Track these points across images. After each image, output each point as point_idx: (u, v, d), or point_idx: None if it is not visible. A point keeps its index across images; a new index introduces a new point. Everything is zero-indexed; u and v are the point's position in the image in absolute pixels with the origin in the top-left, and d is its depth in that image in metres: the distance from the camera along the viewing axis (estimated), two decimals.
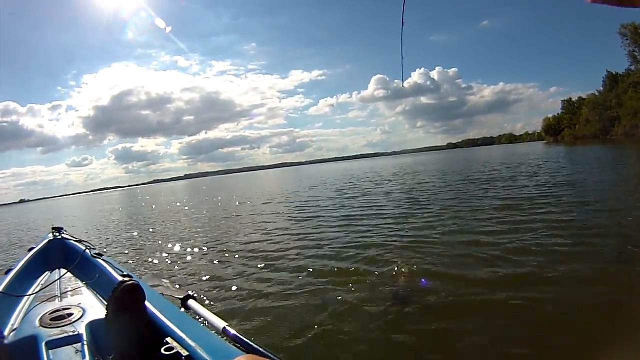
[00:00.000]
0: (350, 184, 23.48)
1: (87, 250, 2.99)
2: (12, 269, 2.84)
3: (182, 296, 2.45)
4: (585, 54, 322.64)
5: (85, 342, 1.80)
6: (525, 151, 43.18)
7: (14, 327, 2.01)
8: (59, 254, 3.26)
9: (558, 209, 7.96)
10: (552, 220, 6.95)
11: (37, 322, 2.00)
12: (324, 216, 11.27)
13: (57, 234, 3.61)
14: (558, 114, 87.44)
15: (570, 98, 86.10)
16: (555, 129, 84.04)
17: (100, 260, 2.79)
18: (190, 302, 2.37)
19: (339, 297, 4.57)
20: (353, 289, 4.78)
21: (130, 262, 8.65)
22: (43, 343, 1.78)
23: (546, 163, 21.33)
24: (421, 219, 8.83)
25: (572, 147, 42.85)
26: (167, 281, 3.41)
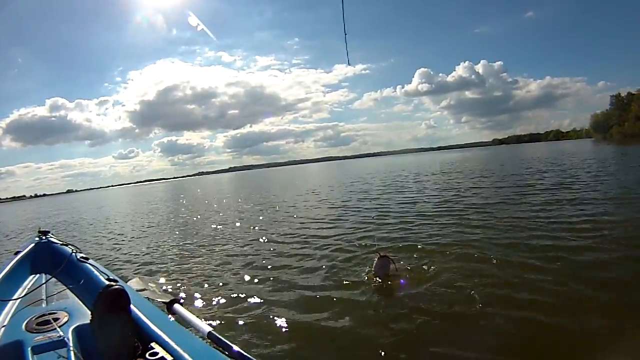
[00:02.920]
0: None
1: (74, 254, 2.97)
2: None
3: (167, 300, 2.53)
4: (635, 46, 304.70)
5: (71, 347, 1.82)
6: (574, 150, 41.04)
7: (0, 331, 2.04)
8: (46, 257, 3.24)
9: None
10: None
11: (23, 327, 2.05)
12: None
13: (44, 237, 3.58)
14: (607, 110, 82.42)
15: (620, 93, 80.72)
16: (603, 126, 79.57)
17: (86, 264, 2.79)
18: (176, 306, 2.45)
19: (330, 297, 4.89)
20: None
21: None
22: (29, 348, 1.82)
23: (606, 168, 18.67)
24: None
25: (623, 146, 39.85)
26: (154, 285, 3.47)
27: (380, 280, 5.17)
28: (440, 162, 47.00)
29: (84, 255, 3.02)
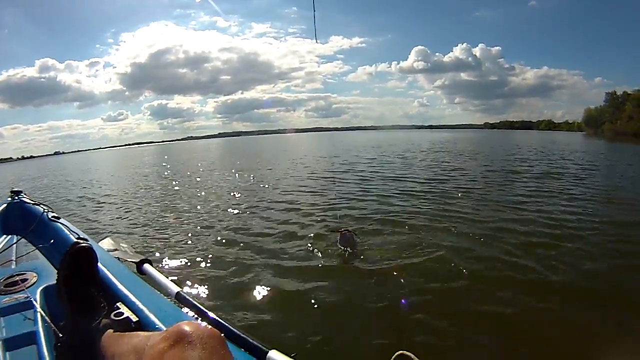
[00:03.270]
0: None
1: (45, 214, 2.91)
2: None
3: (137, 260, 2.45)
4: (635, 47, 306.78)
5: (37, 309, 1.81)
6: (565, 141, 41.51)
7: None
8: (17, 217, 3.19)
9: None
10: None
11: None
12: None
13: (16, 197, 3.52)
14: (601, 106, 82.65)
15: (615, 91, 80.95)
16: (596, 122, 79.86)
17: (57, 224, 2.73)
18: (146, 266, 2.37)
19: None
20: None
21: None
22: None
23: (604, 163, 18.92)
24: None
25: (614, 143, 40.33)
26: (126, 245, 3.38)
27: (345, 252, 5.46)
28: (431, 140, 47.40)
29: (56, 215, 2.92)
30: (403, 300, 4.00)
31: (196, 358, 0.89)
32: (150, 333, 1.30)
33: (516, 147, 31.41)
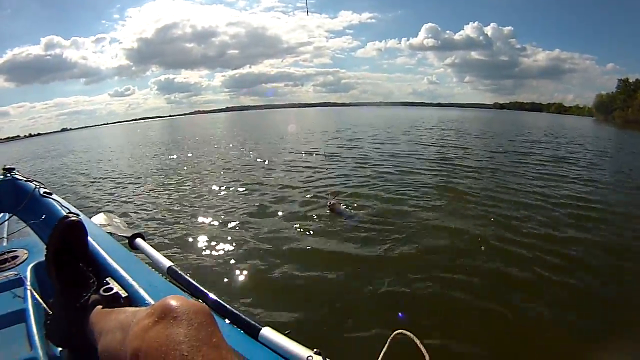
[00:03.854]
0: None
1: (37, 190, 2.86)
2: None
3: (129, 235, 2.42)
4: None
5: (27, 286, 1.81)
6: (575, 126, 41.07)
7: None
8: (9, 194, 3.15)
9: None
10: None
11: None
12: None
13: (8, 174, 3.44)
14: (612, 92, 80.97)
15: (628, 79, 79.25)
16: (607, 108, 78.34)
17: (49, 199, 2.69)
18: (138, 241, 2.34)
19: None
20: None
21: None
22: None
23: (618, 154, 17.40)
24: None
25: (624, 130, 39.53)
26: (119, 220, 3.36)
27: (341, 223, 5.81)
28: (440, 118, 47.45)
29: (47, 191, 2.84)
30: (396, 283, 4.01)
31: (181, 335, 0.83)
32: (137, 309, 1.24)
33: (526, 129, 31.15)
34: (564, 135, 25.20)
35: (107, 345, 1.15)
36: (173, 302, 0.90)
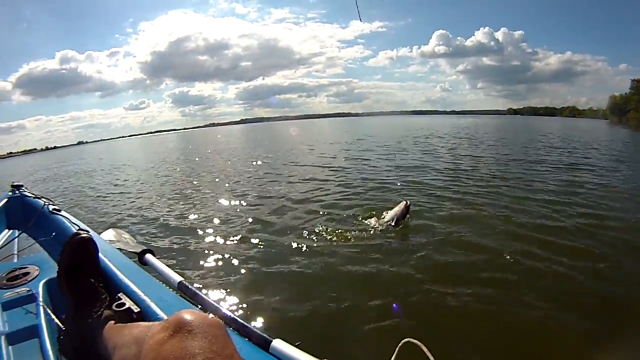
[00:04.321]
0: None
1: (45, 207, 2.86)
2: None
3: (139, 251, 2.42)
4: None
5: (40, 302, 1.80)
6: (589, 129, 40.14)
7: None
8: (18, 211, 3.16)
9: None
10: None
11: None
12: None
13: (17, 191, 3.46)
14: (626, 93, 77.37)
15: None
16: (621, 110, 75.32)
17: (58, 216, 2.69)
18: (148, 256, 2.34)
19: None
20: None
21: None
22: None
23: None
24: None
25: (639, 132, 38.22)
26: (128, 236, 3.35)
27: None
28: (454, 126, 46.77)
29: (56, 207, 2.85)
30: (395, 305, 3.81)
31: (196, 348, 0.86)
32: (151, 323, 1.28)
33: (540, 134, 30.48)
34: (579, 139, 24.75)
35: (122, 359, 1.20)
36: (187, 316, 0.94)
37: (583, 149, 17.93)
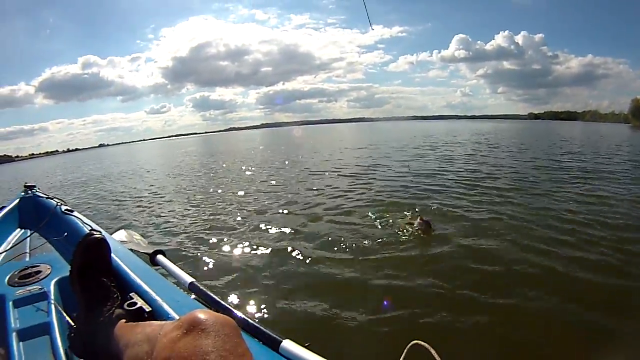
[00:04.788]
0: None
1: (58, 207, 2.88)
2: None
3: (150, 251, 2.44)
4: None
5: (51, 300, 1.83)
6: (612, 134, 38.76)
7: None
8: (31, 211, 3.20)
9: None
10: None
11: (5, 281, 2.04)
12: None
13: (29, 191, 3.52)
14: None
15: None
16: None
17: (70, 217, 2.71)
18: (159, 257, 2.37)
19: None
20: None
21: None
22: (10, 302, 1.82)
23: None
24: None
25: None
26: (139, 237, 3.38)
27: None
28: (474, 131, 46.17)
29: (69, 208, 2.86)
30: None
31: (210, 346, 0.87)
32: (163, 322, 1.29)
33: (562, 139, 29.75)
34: (601, 145, 24.08)
35: (134, 357, 1.19)
36: (201, 315, 0.95)
37: (606, 155, 17.27)
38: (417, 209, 7.28)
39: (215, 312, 1.01)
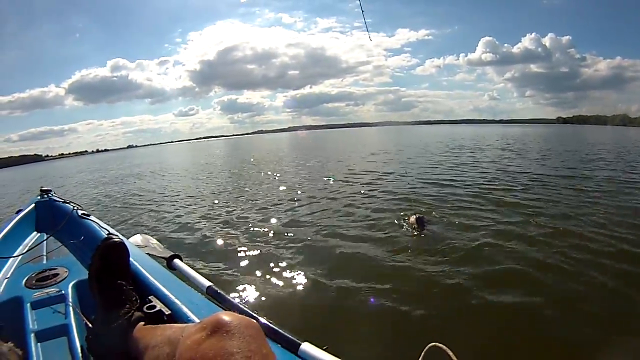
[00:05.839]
0: None
1: (74, 211, 2.91)
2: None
3: (167, 256, 2.45)
4: None
5: (69, 302, 1.83)
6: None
7: (0, 289, 2.02)
8: (47, 215, 3.22)
9: None
10: None
11: (23, 283, 2.04)
12: None
13: (45, 195, 3.55)
14: None
15: None
16: None
17: (87, 221, 2.74)
18: (176, 261, 2.38)
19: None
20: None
21: None
22: (28, 304, 1.81)
23: None
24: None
25: None
26: (155, 241, 3.40)
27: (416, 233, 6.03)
28: (500, 136, 45.00)
29: (85, 212, 2.92)
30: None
31: (234, 347, 0.85)
32: (184, 324, 1.27)
33: (592, 145, 28.14)
34: (632, 152, 22.13)
35: (154, 359, 1.18)
36: (225, 317, 0.94)
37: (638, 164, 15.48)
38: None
39: (238, 315, 0.99)
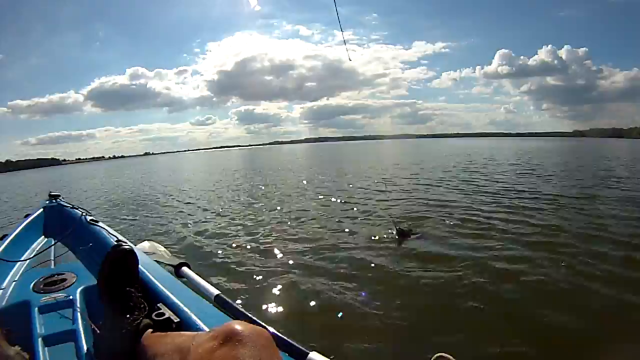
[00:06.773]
0: None
1: (83, 217, 2.89)
2: (8, 235, 2.82)
3: (176, 264, 2.44)
4: None
5: (77, 308, 1.81)
6: None
7: (7, 292, 2.02)
8: (55, 220, 3.19)
9: None
10: None
11: (30, 288, 2.02)
12: None
13: (54, 200, 3.52)
14: None
15: None
16: None
17: (95, 227, 2.71)
18: (184, 269, 2.36)
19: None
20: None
21: None
22: (36, 308, 1.79)
23: None
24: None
25: None
26: (163, 249, 3.38)
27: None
28: (516, 150, 44.40)
29: (94, 218, 2.89)
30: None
31: (247, 356, 0.85)
32: (195, 333, 1.24)
33: (609, 159, 26.93)
34: None
35: None
36: (237, 327, 0.93)
37: None
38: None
39: (250, 324, 0.99)
